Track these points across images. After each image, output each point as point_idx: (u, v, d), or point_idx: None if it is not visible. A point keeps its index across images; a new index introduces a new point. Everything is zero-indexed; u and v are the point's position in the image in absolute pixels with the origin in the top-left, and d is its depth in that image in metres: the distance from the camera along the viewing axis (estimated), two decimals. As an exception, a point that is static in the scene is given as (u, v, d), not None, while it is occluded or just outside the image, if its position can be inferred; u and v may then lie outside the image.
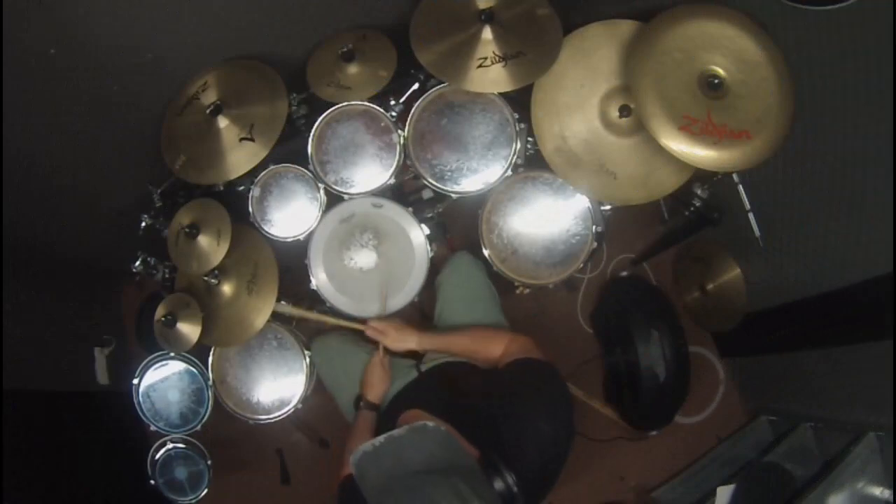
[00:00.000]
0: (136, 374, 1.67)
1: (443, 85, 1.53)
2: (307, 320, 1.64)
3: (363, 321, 1.49)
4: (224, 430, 1.78)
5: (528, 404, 1.09)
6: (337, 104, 1.56)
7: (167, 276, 1.67)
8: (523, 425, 1.05)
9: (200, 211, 1.56)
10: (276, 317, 1.59)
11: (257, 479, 2.22)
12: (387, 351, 1.45)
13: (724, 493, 1.68)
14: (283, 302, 1.57)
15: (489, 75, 1.43)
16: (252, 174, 1.57)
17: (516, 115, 1.53)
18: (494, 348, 1.30)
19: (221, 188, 1.60)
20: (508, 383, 1.18)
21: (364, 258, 1.61)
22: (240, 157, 1.50)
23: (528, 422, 1.06)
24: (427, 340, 1.41)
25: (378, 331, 1.44)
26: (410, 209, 1.61)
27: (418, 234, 1.59)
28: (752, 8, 1.35)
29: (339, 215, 1.60)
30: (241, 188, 1.61)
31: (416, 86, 1.58)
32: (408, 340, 1.41)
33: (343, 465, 1.34)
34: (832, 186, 1.42)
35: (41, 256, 1.85)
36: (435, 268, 1.64)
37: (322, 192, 1.59)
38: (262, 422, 1.68)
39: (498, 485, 0.87)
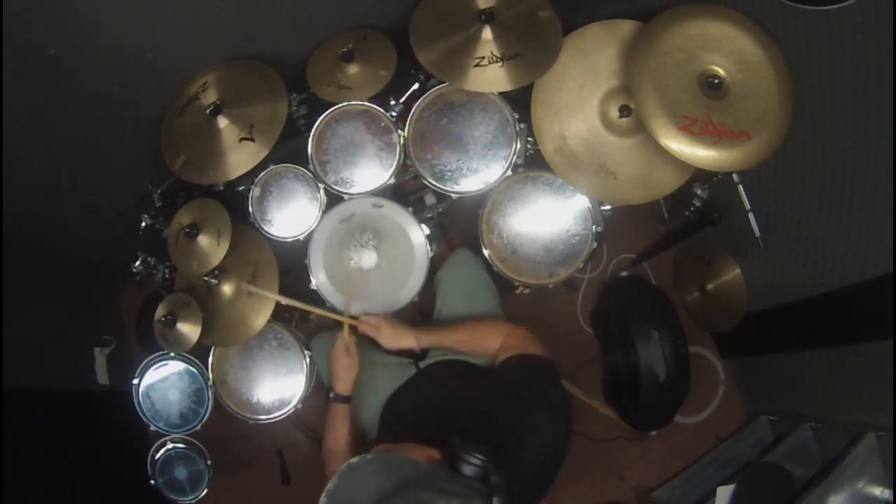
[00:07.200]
0: (136, 374, 1.67)
1: (443, 85, 1.53)
2: (293, 309, 1.57)
3: (355, 316, 1.42)
4: (224, 430, 1.78)
5: (529, 404, 1.09)
6: (337, 104, 1.56)
7: (167, 276, 1.67)
8: (523, 425, 1.05)
9: (200, 211, 1.56)
10: (275, 316, 1.59)
11: (257, 479, 2.22)
12: (353, 332, 1.38)
13: (724, 493, 1.68)
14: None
15: (486, 75, 1.43)
16: (252, 174, 1.57)
17: (516, 115, 1.53)
18: (492, 341, 1.28)
19: (221, 188, 1.59)
20: (508, 382, 1.17)
21: (364, 258, 1.61)
22: (240, 157, 1.50)
23: (529, 421, 1.05)
24: (424, 337, 1.36)
25: (372, 326, 1.36)
26: (410, 209, 1.61)
27: (418, 234, 1.59)
28: (752, 8, 1.35)
29: (339, 215, 1.60)
30: (241, 188, 1.61)
31: (416, 86, 1.58)
32: (404, 338, 1.35)
33: (325, 464, 1.32)
34: (832, 186, 1.42)
35: (41, 256, 1.85)
36: (435, 267, 1.64)
37: (322, 192, 1.59)
38: (262, 422, 1.68)
39: (468, 469, 0.85)
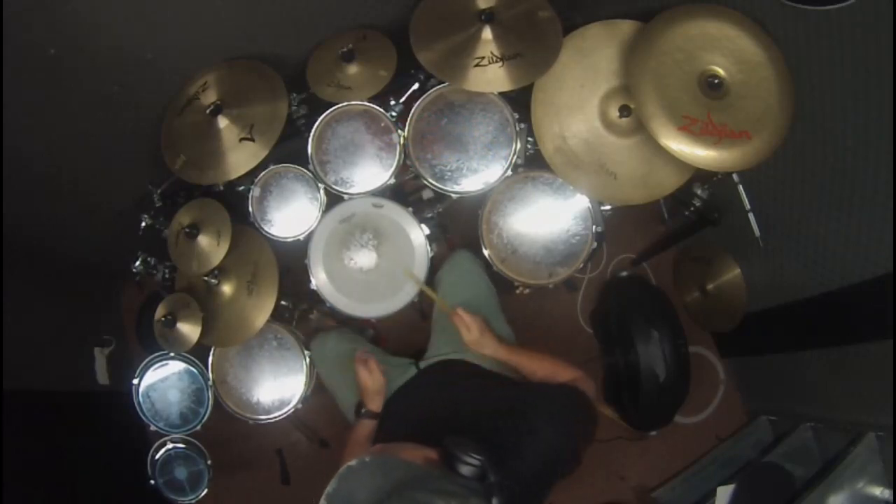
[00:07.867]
0: (136, 374, 1.67)
1: (443, 85, 1.53)
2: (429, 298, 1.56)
3: (453, 307, 1.39)
4: (224, 430, 1.78)
5: (530, 405, 1.09)
6: (337, 104, 1.56)
7: (167, 276, 1.67)
8: (524, 426, 1.05)
9: (200, 211, 1.56)
10: (275, 316, 1.59)
11: (257, 479, 2.22)
12: (377, 347, 1.40)
13: (724, 493, 1.68)
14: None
15: (486, 75, 1.43)
16: (252, 174, 1.57)
17: (516, 115, 1.53)
18: (562, 380, 1.25)
19: (221, 188, 1.60)
20: (518, 387, 1.17)
21: (364, 258, 1.61)
22: (240, 157, 1.50)
23: (529, 422, 1.05)
24: (503, 351, 1.34)
25: (465, 322, 1.34)
26: (410, 209, 1.61)
27: (418, 234, 1.59)
28: (752, 8, 1.35)
29: (339, 215, 1.60)
30: (241, 188, 1.61)
31: (416, 86, 1.58)
32: (486, 345, 1.33)
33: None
34: (832, 186, 1.42)
35: (41, 256, 1.85)
36: (435, 267, 1.64)
37: (322, 192, 1.59)
38: (262, 422, 1.68)
39: (465, 469, 0.85)
